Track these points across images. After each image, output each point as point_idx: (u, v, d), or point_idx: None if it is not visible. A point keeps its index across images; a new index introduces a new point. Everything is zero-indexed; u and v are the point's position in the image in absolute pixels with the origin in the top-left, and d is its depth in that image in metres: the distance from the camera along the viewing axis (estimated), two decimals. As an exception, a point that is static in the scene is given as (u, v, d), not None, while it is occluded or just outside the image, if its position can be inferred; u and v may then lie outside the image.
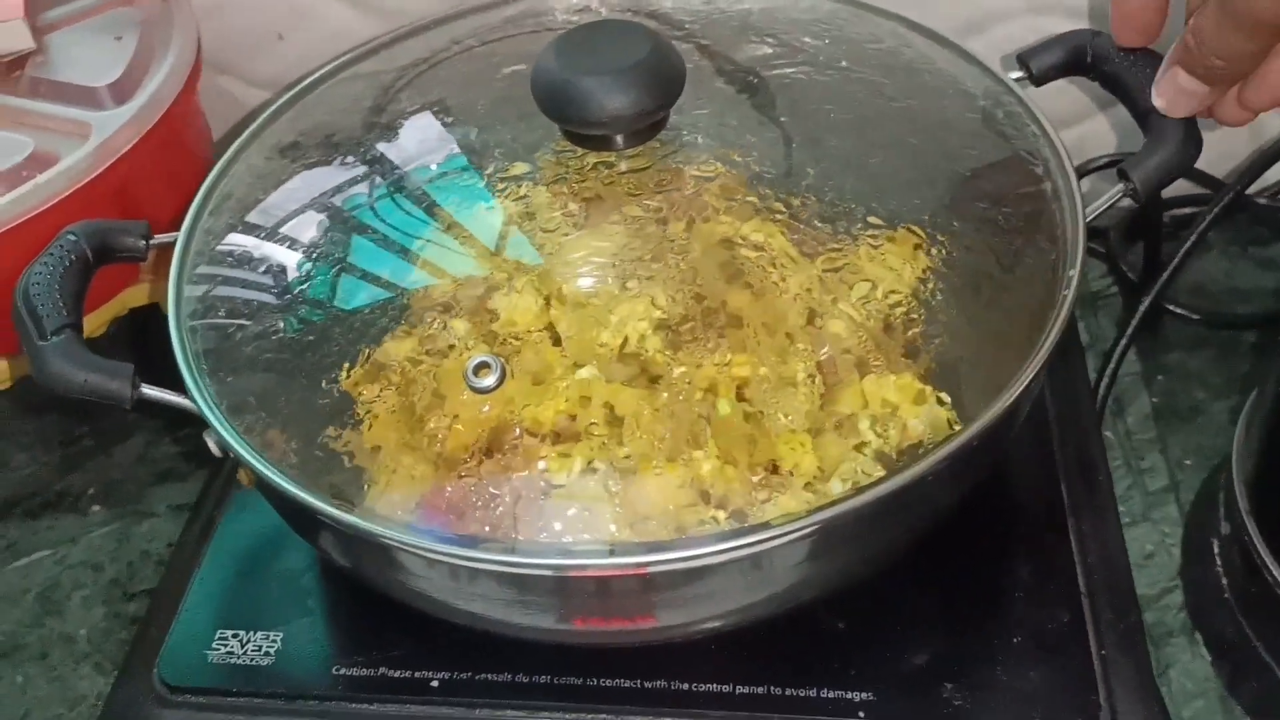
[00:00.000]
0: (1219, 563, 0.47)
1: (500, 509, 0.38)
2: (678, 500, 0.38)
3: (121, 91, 0.52)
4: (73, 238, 0.43)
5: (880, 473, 0.38)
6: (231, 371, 0.42)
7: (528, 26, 0.52)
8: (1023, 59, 0.48)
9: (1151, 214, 0.59)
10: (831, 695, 0.41)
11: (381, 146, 0.47)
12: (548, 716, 0.42)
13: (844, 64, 0.49)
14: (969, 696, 0.40)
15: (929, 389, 0.40)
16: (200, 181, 0.47)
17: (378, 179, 0.46)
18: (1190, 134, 0.43)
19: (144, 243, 0.45)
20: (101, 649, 0.51)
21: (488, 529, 0.38)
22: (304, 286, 0.44)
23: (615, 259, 0.42)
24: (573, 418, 0.39)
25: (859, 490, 0.37)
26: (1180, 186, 0.62)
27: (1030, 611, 0.43)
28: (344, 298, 0.43)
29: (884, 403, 0.40)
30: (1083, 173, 0.62)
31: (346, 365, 0.41)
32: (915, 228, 0.43)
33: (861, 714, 0.40)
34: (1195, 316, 0.59)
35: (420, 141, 0.47)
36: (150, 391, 0.40)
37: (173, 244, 0.45)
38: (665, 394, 0.39)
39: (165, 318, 0.43)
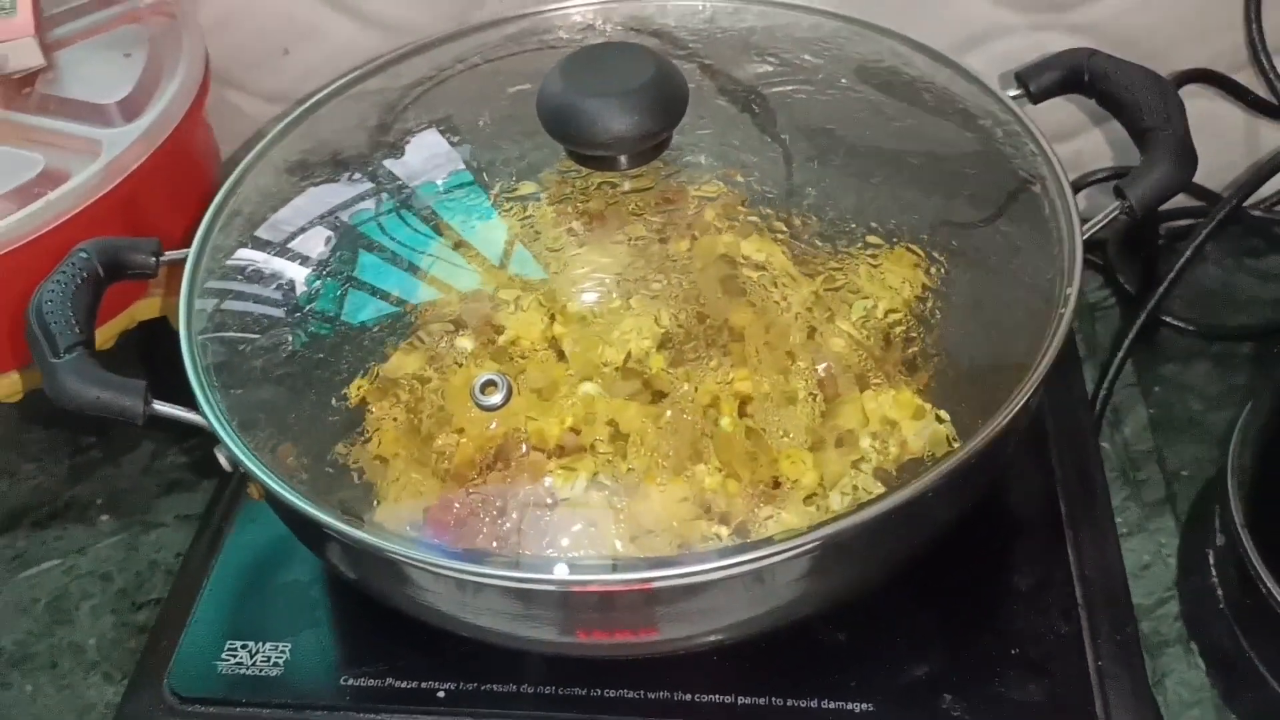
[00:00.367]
0: (1214, 574, 0.47)
1: (506, 523, 0.39)
2: (680, 515, 0.39)
3: (131, 108, 0.53)
4: (84, 255, 0.43)
5: (879, 488, 0.39)
6: (241, 386, 0.42)
7: (530, 44, 0.52)
8: (1021, 77, 0.48)
9: (1148, 228, 0.60)
10: (832, 706, 0.41)
11: (387, 164, 0.48)
12: (552, 727, 0.42)
13: (844, 82, 0.49)
14: (967, 708, 0.41)
15: (928, 405, 0.40)
16: (208, 196, 0.48)
17: (384, 196, 0.47)
18: (1185, 152, 0.44)
19: (154, 260, 0.45)
20: (110, 658, 0.51)
21: (494, 543, 0.39)
22: (312, 302, 0.44)
23: (619, 276, 0.42)
24: (577, 432, 0.40)
25: (860, 506, 0.37)
26: (1178, 199, 0.63)
27: (1028, 623, 0.43)
28: (351, 313, 0.44)
29: (883, 419, 0.41)
30: (1081, 186, 0.63)
31: (354, 380, 0.42)
32: (914, 246, 0.43)
33: (861, 725, 0.41)
34: (1192, 328, 0.60)
35: (425, 159, 0.48)
36: (162, 408, 0.40)
37: (182, 260, 0.45)
38: (668, 410, 0.40)
39: (172, 331, 0.43)
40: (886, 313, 0.42)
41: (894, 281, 0.43)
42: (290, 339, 0.44)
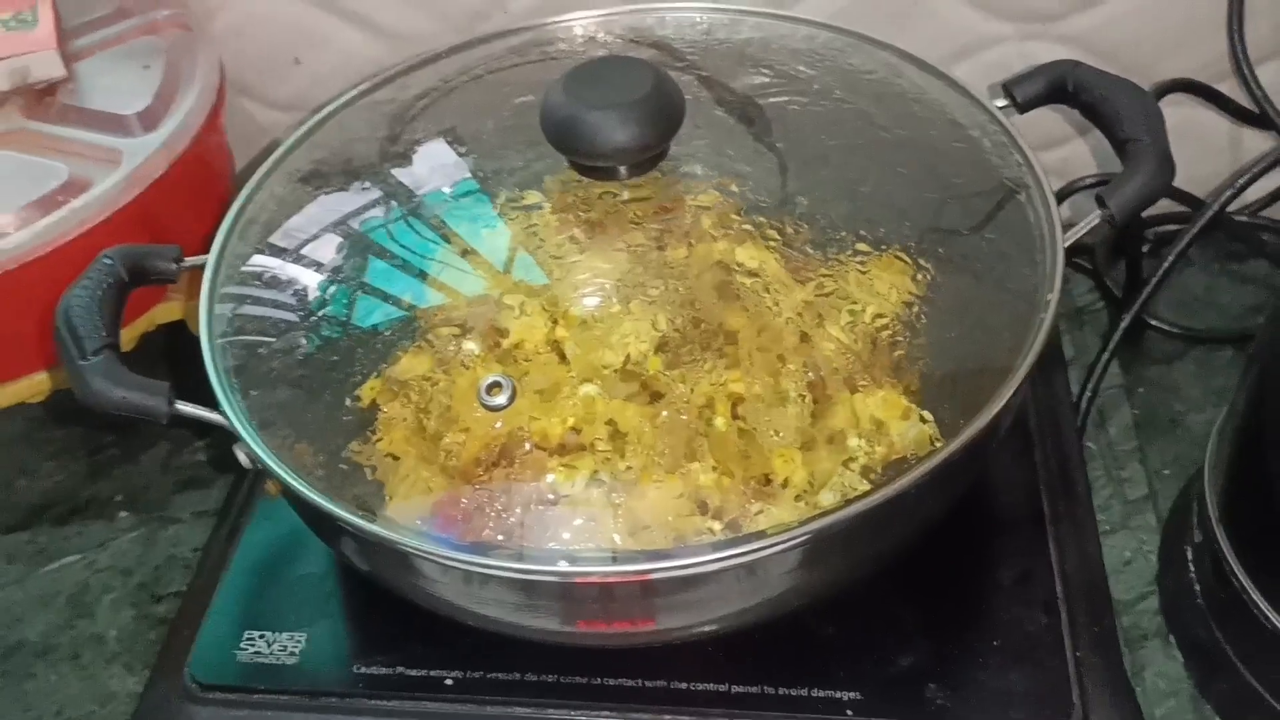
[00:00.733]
0: (1192, 569, 0.49)
1: (510, 518, 0.40)
2: (676, 510, 0.40)
3: (150, 119, 0.55)
4: (109, 261, 0.45)
5: (866, 486, 0.40)
6: (258, 387, 0.44)
7: (533, 56, 0.54)
8: (1007, 88, 0.50)
9: (1132, 233, 0.62)
10: (821, 694, 0.43)
11: (396, 173, 0.50)
12: (554, 713, 0.44)
13: (838, 93, 0.51)
14: (950, 696, 0.42)
15: (914, 407, 0.42)
16: (224, 203, 0.49)
17: (392, 204, 0.49)
18: (1164, 162, 0.45)
19: (176, 265, 0.47)
20: (131, 649, 0.53)
21: (500, 537, 0.40)
22: (324, 307, 0.46)
23: (618, 282, 0.44)
24: (578, 432, 0.41)
25: (846, 503, 0.39)
26: (1165, 205, 0.65)
27: (1010, 616, 0.45)
28: (361, 317, 0.45)
29: (871, 419, 0.42)
30: (1069, 192, 0.64)
31: (366, 382, 0.43)
32: (902, 253, 0.45)
33: (849, 712, 0.42)
34: (1176, 330, 0.61)
35: (432, 168, 0.49)
36: (184, 408, 0.42)
37: (201, 266, 0.47)
38: (665, 410, 0.41)
39: (189, 334, 0.45)
40: (875, 318, 0.43)
41: (883, 288, 0.44)
42: (304, 342, 0.45)
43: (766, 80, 0.51)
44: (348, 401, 0.43)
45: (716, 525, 0.40)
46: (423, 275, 0.46)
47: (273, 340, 0.45)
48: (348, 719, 0.44)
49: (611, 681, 0.44)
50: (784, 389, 0.42)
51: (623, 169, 0.45)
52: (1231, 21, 0.59)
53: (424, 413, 0.43)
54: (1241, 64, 0.60)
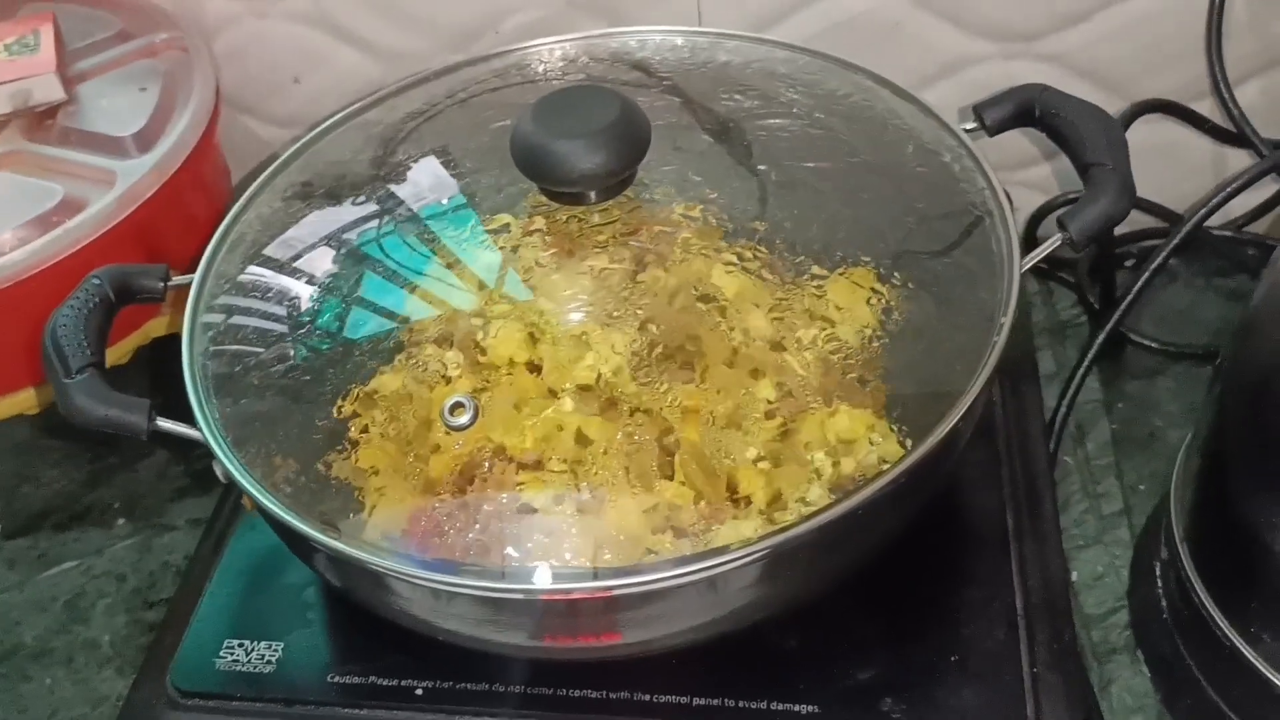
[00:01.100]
0: (1160, 585, 0.49)
1: (480, 531, 0.42)
2: (642, 525, 0.41)
3: (145, 140, 0.56)
4: (97, 282, 0.46)
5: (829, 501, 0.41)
6: (241, 398, 0.45)
7: (514, 79, 0.55)
8: (977, 111, 0.50)
9: (1105, 251, 0.62)
10: (780, 708, 0.43)
11: (379, 194, 0.51)
12: (520, 724, 0.45)
13: (814, 116, 0.52)
14: (906, 710, 0.43)
15: (881, 422, 0.43)
16: (219, 217, 0.51)
17: (376, 222, 0.50)
18: (1125, 187, 0.45)
19: (162, 285, 0.48)
20: (123, 654, 0.55)
21: (472, 551, 0.41)
22: (304, 323, 0.47)
23: (591, 301, 0.45)
24: (548, 447, 0.42)
25: (805, 518, 0.40)
26: (1146, 221, 0.65)
27: (969, 631, 0.45)
28: (341, 333, 0.47)
29: (838, 436, 0.43)
30: (1051, 209, 0.65)
31: (344, 394, 0.45)
32: (871, 274, 0.46)
33: (808, 725, 0.43)
34: (1156, 346, 0.62)
35: (414, 189, 0.51)
36: (164, 424, 0.43)
37: (188, 285, 0.48)
38: (633, 425, 0.42)
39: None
40: (843, 337, 0.44)
41: (851, 307, 0.45)
42: (284, 357, 0.46)
43: (744, 103, 0.52)
44: (324, 414, 0.45)
45: (682, 540, 0.41)
46: (401, 293, 0.47)
47: (253, 356, 0.47)
48: (322, 727, 0.46)
49: (576, 693, 0.45)
50: (752, 405, 0.43)
51: (591, 194, 0.46)
52: (1210, 42, 0.60)
53: (398, 427, 0.44)
54: (1220, 84, 0.60)
